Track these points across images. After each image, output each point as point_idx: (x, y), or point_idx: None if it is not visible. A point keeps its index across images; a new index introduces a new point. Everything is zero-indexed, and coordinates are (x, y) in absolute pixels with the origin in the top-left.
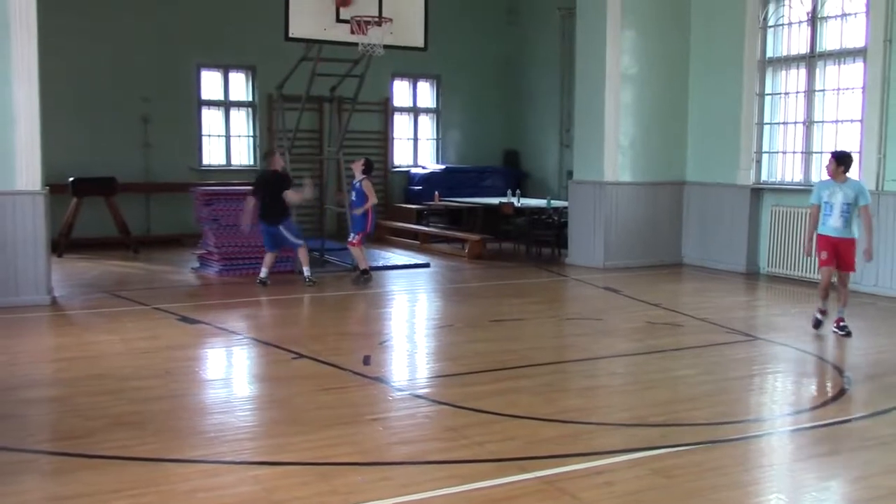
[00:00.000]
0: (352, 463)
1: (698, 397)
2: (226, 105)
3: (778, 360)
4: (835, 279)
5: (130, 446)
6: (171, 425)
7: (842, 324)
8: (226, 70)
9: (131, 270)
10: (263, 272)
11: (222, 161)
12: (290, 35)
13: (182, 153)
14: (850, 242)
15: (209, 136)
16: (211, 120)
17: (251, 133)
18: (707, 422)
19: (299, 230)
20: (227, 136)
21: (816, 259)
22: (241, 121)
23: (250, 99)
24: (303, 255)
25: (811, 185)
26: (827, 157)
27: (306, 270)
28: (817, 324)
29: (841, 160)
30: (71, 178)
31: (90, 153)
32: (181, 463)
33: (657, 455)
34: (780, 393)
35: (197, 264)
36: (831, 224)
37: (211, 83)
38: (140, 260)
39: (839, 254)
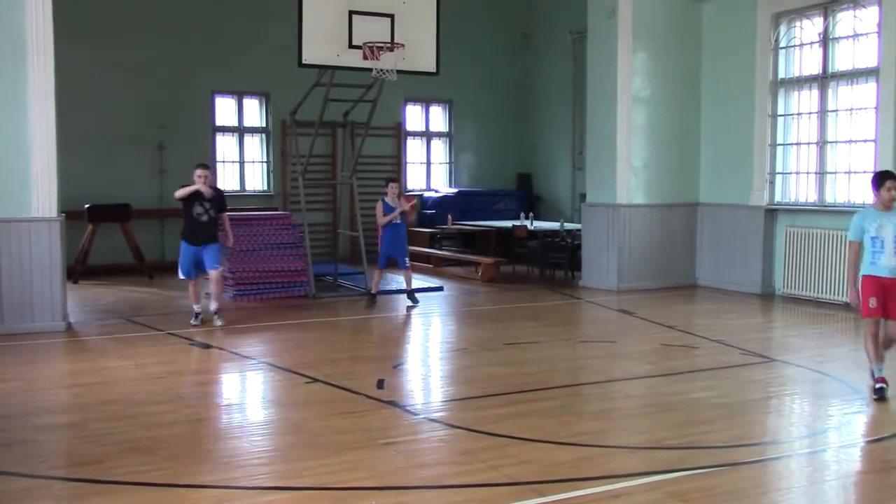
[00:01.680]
0: (367, 487)
1: (714, 420)
2: (240, 131)
3: (794, 381)
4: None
5: (143, 471)
6: (185, 450)
7: (878, 385)
8: (240, 96)
9: (146, 296)
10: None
11: (237, 186)
12: (304, 61)
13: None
14: None
15: (224, 161)
16: (225, 146)
17: (265, 158)
18: (723, 444)
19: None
20: (241, 162)
21: (860, 307)
22: (255, 146)
23: (264, 125)
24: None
25: (825, 206)
26: (845, 178)
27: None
28: (880, 395)
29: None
30: (86, 205)
31: (106, 180)
32: (194, 488)
33: (673, 478)
34: (797, 415)
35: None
36: (884, 262)
37: (225, 109)
38: (155, 286)
39: (890, 299)
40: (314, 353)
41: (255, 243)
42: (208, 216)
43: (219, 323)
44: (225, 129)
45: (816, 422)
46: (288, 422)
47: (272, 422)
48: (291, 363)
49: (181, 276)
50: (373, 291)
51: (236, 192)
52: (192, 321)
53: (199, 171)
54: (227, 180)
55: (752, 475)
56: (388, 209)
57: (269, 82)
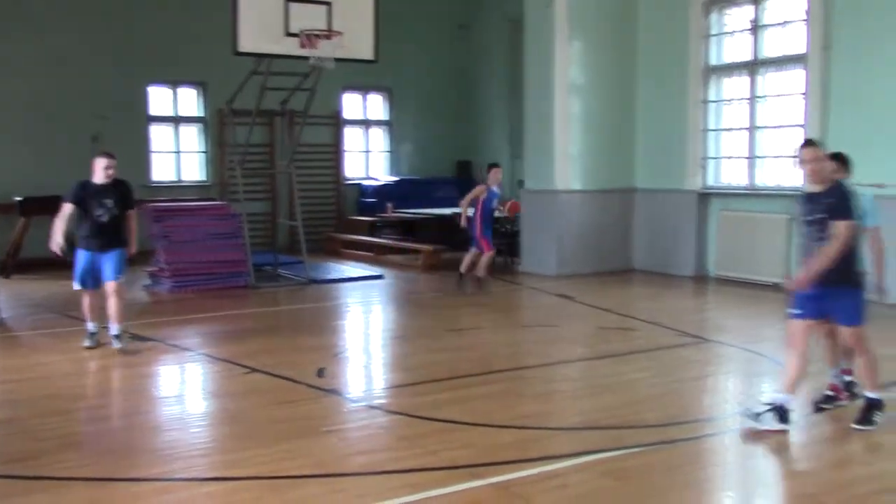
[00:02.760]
0: (306, 475)
1: (650, 399)
2: (175, 121)
3: (728, 361)
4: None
5: (81, 466)
6: (123, 444)
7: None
8: (175, 86)
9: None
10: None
11: (173, 177)
12: (239, 50)
13: (132, 170)
14: None
15: (159, 152)
16: (160, 136)
17: (202, 149)
18: (659, 423)
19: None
20: (178, 153)
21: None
22: (192, 136)
23: (201, 114)
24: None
25: (756, 190)
26: (774, 162)
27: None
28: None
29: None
30: (18, 198)
31: (38, 172)
32: (133, 482)
33: (610, 457)
34: (731, 393)
35: (148, 281)
36: None
37: (160, 99)
38: None
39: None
40: (253, 344)
41: (193, 234)
42: (110, 216)
43: (118, 345)
44: (160, 120)
45: (749, 399)
46: (226, 412)
47: (211, 413)
48: (230, 354)
49: (77, 287)
50: (479, 274)
51: (173, 182)
52: (86, 343)
53: (105, 162)
54: (162, 171)
55: (687, 452)
56: (491, 195)
57: (205, 71)
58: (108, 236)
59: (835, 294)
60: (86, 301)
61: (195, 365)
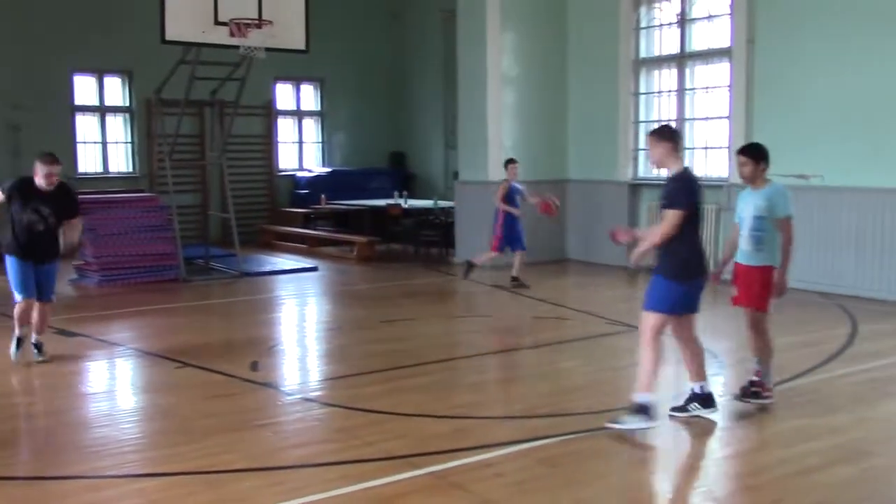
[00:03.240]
0: (240, 469)
1: (583, 387)
2: (101, 111)
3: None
4: None
5: (7, 465)
6: (51, 442)
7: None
8: (100, 75)
9: (3, 285)
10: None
11: (99, 168)
12: (167, 38)
13: None
14: (758, 271)
15: (84, 143)
16: (86, 127)
17: (129, 139)
18: (591, 410)
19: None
20: (104, 143)
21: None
22: (118, 127)
23: (127, 104)
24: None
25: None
26: (703, 154)
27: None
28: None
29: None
30: None
31: None
32: (61, 480)
33: (544, 445)
34: (662, 379)
35: (75, 276)
36: (742, 246)
37: (85, 88)
38: None
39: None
40: (185, 338)
41: (121, 227)
42: (46, 225)
43: (40, 358)
44: (85, 109)
45: (679, 384)
46: (158, 408)
47: (142, 408)
48: (161, 348)
49: (20, 298)
50: (476, 262)
51: (99, 174)
52: (13, 351)
53: (46, 169)
54: (88, 163)
55: (620, 438)
56: (514, 190)
57: (132, 60)
58: (44, 247)
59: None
60: (20, 307)
61: (125, 360)
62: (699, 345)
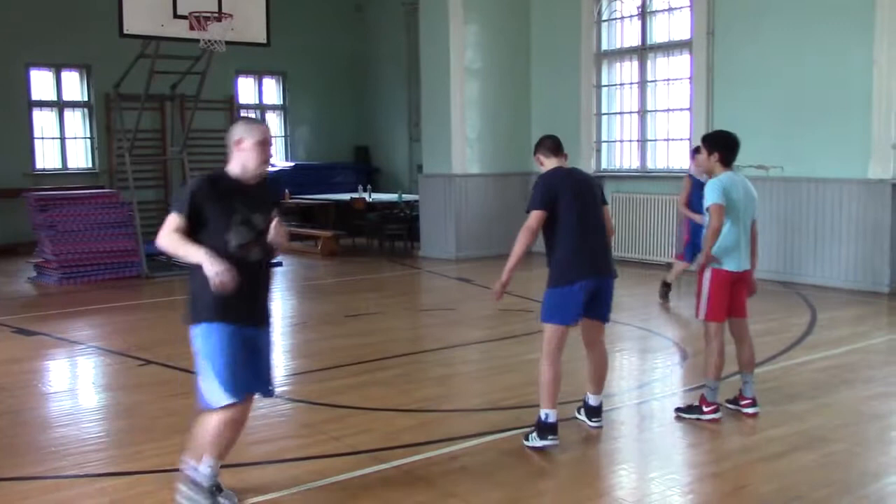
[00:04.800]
0: None
1: None
2: (59, 106)
3: (623, 338)
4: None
5: None
6: (9, 442)
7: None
8: (58, 69)
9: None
10: None
11: (58, 164)
12: (126, 32)
13: (13, 157)
14: (699, 273)
15: (42, 138)
16: (43, 122)
17: (88, 135)
18: (557, 401)
19: None
20: (62, 139)
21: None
22: (77, 122)
23: (86, 99)
24: None
25: (647, 172)
26: (664, 145)
27: None
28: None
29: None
30: None
31: None
32: (20, 481)
33: (511, 436)
34: (626, 369)
35: (34, 273)
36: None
37: (42, 83)
38: None
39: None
40: (148, 335)
41: (81, 224)
42: (262, 246)
43: None
44: (42, 104)
45: (643, 374)
46: (120, 406)
47: (104, 407)
48: (124, 346)
49: (227, 400)
50: (670, 280)
51: (57, 170)
52: None
53: (262, 135)
54: (47, 158)
55: (585, 427)
56: (697, 187)
57: (90, 54)
58: (264, 293)
59: None
60: (235, 419)
61: (86, 359)
62: (602, 356)
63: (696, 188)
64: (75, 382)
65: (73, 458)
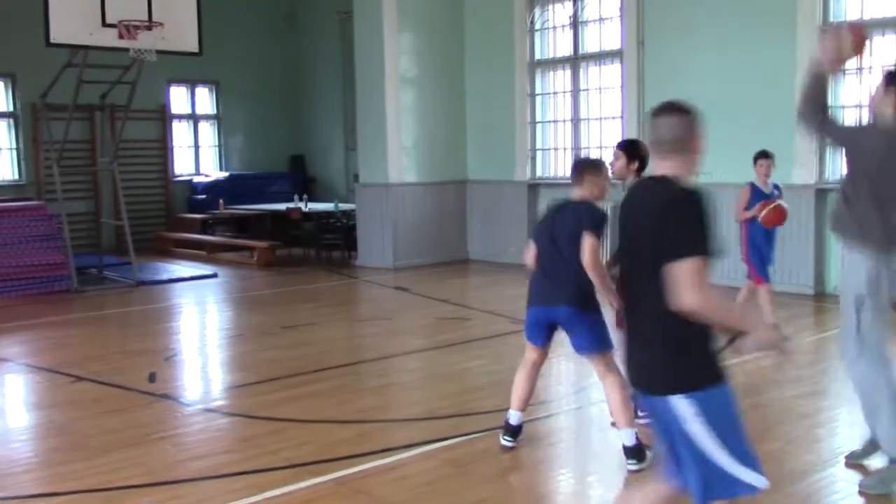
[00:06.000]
0: (139, 485)
1: (486, 387)
2: None
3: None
4: None
5: None
6: None
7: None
8: None
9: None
10: None
11: None
12: (52, 40)
13: None
14: None
15: None
16: None
17: (14, 145)
18: (495, 409)
19: None
20: None
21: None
22: (2, 133)
23: (11, 109)
24: None
25: None
26: (597, 153)
27: None
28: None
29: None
30: None
31: None
32: None
33: (449, 445)
34: (563, 375)
35: None
36: None
37: None
38: None
39: None
40: (79, 351)
41: (7, 237)
42: None
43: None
44: None
45: (580, 380)
46: (51, 424)
47: (34, 426)
48: (53, 362)
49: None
50: (773, 321)
51: None
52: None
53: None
54: None
55: (523, 435)
56: (756, 197)
57: (15, 63)
58: None
59: None
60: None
61: (15, 376)
62: (530, 380)
63: (756, 198)
64: (3, 401)
65: (3, 479)
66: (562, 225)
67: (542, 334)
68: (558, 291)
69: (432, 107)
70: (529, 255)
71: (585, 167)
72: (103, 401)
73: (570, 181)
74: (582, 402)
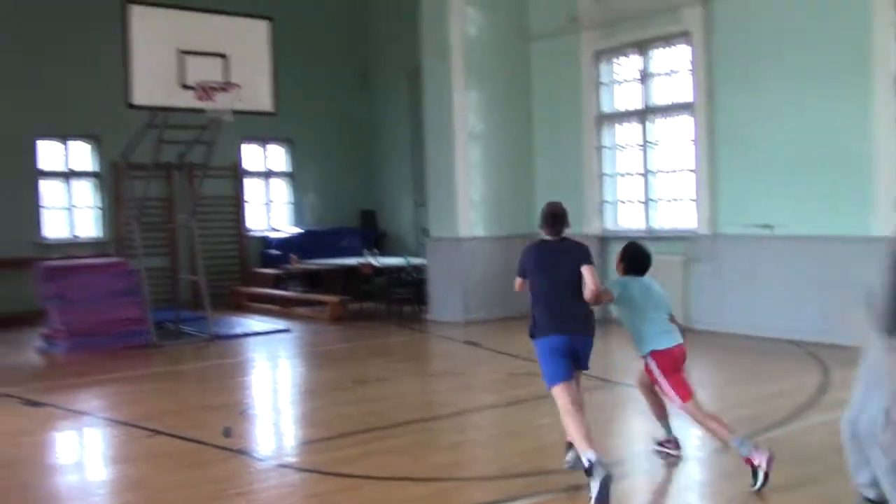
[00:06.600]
0: None
1: (560, 445)
2: (67, 175)
3: (633, 401)
4: None
5: None
6: None
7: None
8: (65, 139)
9: None
10: None
11: (66, 234)
12: (134, 102)
13: (21, 227)
14: None
15: (51, 208)
16: (51, 191)
17: (97, 204)
18: (568, 464)
19: None
20: (71, 208)
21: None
22: (86, 191)
23: (95, 169)
24: None
25: (652, 233)
26: (668, 206)
27: None
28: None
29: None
30: None
31: None
32: None
33: None
34: (638, 433)
35: (42, 343)
36: None
37: (50, 153)
38: None
39: None
40: (156, 405)
41: (89, 292)
42: None
43: None
44: (50, 174)
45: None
46: (128, 479)
47: (112, 480)
48: (131, 416)
49: None
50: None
51: (66, 239)
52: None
53: None
54: (55, 228)
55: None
56: None
57: (99, 124)
58: None
59: None
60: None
61: (94, 430)
62: (583, 413)
63: None
64: (83, 455)
65: None
66: (565, 261)
67: (568, 365)
68: (577, 321)
69: (500, 161)
70: (520, 285)
71: (566, 214)
72: (179, 455)
73: (548, 226)
74: (656, 462)
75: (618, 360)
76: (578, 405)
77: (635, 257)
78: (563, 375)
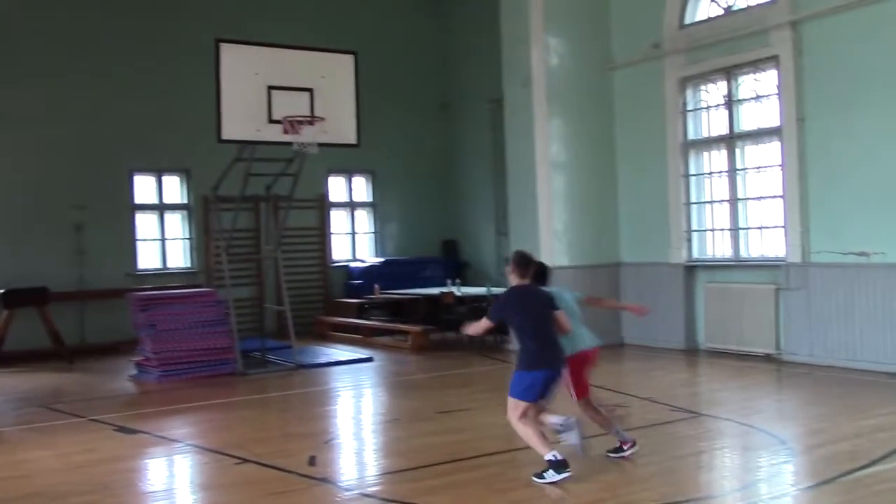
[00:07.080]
0: None
1: (646, 478)
2: (160, 208)
3: (722, 435)
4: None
5: None
6: None
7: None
8: (159, 174)
9: (66, 382)
10: None
11: (158, 265)
12: (223, 137)
13: (117, 259)
14: None
15: (144, 240)
16: (145, 224)
17: (187, 235)
18: (657, 502)
19: None
20: (163, 240)
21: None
22: (176, 223)
23: (185, 201)
24: None
25: (740, 261)
26: (757, 233)
27: None
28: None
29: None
30: (1, 290)
31: (21, 263)
32: None
33: None
34: (728, 468)
35: (135, 371)
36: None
37: (144, 187)
38: (76, 370)
39: None
40: (243, 433)
41: (180, 322)
42: None
43: None
44: (145, 207)
45: (746, 474)
46: None
47: None
48: (220, 444)
49: None
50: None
51: (158, 270)
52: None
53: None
54: (148, 259)
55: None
56: None
57: (189, 158)
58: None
59: None
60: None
61: (184, 457)
62: (537, 422)
63: None
64: (173, 482)
65: None
66: (541, 304)
67: (541, 391)
68: (558, 357)
69: (583, 190)
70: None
71: (533, 262)
72: (266, 483)
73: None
74: (748, 499)
75: (704, 390)
76: (527, 417)
77: (542, 271)
78: (535, 399)
